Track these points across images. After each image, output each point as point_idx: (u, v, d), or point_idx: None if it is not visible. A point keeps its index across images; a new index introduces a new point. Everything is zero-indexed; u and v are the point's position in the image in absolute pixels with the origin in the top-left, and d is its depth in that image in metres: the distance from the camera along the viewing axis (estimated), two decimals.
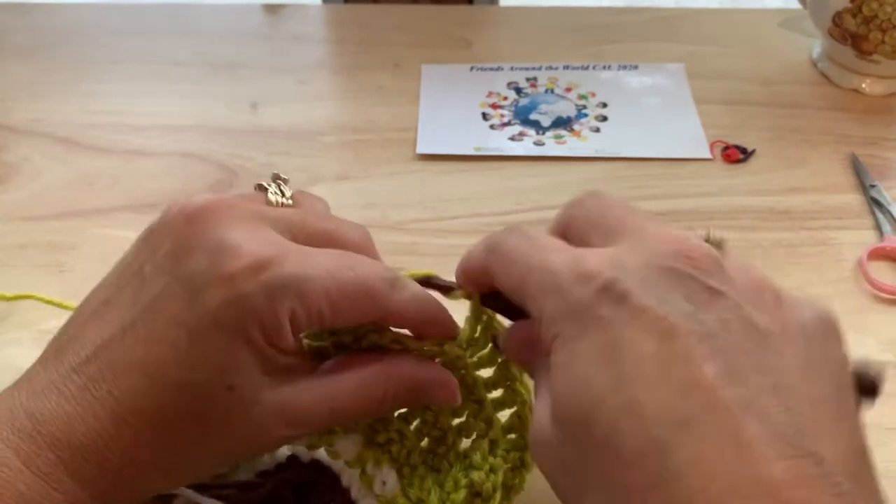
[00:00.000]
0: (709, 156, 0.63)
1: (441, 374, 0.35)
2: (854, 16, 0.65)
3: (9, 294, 0.44)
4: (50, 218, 0.58)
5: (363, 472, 0.35)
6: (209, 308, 0.29)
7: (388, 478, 0.35)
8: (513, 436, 0.37)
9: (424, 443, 0.37)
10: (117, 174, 0.62)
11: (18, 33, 0.76)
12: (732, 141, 0.64)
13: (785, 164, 0.63)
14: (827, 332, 0.28)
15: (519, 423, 0.37)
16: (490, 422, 0.36)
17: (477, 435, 0.37)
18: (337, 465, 0.36)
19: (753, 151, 0.64)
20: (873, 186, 0.60)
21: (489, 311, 0.36)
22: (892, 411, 0.45)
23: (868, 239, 0.57)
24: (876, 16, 0.64)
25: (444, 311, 0.35)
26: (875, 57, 0.66)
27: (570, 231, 0.32)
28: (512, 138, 0.65)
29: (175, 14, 0.79)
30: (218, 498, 0.35)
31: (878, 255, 0.55)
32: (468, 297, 0.35)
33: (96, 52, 0.74)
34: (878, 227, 0.57)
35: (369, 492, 0.35)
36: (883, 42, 0.65)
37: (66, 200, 0.60)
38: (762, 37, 0.76)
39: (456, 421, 0.37)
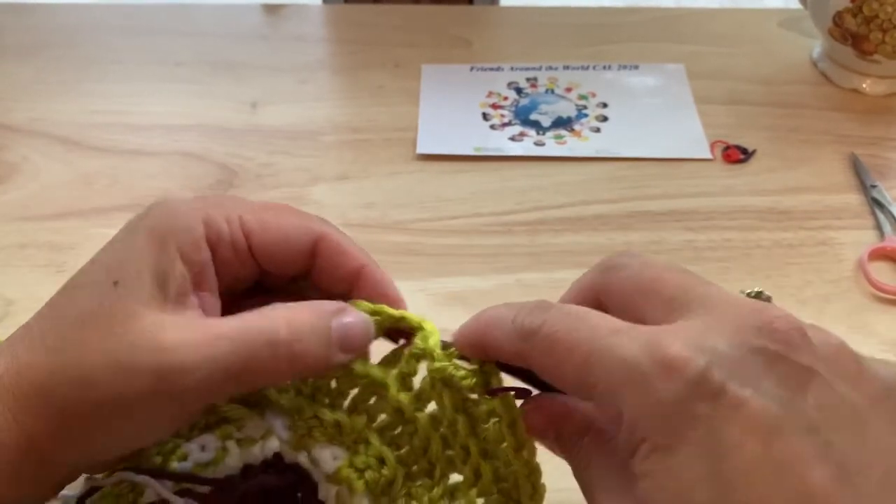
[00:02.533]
0: (709, 156, 0.63)
1: (345, 304, 0.32)
2: (854, 16, 0.65)
3: None
4: (50, 218, 0.58)
5: (339, 494, 0.33)
6: (130, 223, 0.31)
7: None
8: (505, 485, 0.33)
9: (413, 469, 0.34)
10: (117, 174, 0.62)
11: (18, 33, 0.76)
12: (732, 141, 0.64)
13: (785, 164, 0.63)
14: None
15: (517, 479, 0.33)
16: (478, 471, 0.33)
17: (465, 479, 0.34)
18: (316, 474, 0.34)
19: (754, 151, 0.64)
20: (874, 186, 0.60)
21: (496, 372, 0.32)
22: None
23: (868, 239, 0.57)
24: (876, 16, 0.64)
25: (370, 259, 0.33)
26: (875, 57, 0.66)
27: (610, 300, 0.29)
28: (512, 138, 0.65)
29: (175, 14, 0.79)
30: (190, 493, 0.34)
31: (878, 255, 0.55)
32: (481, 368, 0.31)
33: (96, 52, 0.74)
34: (879, 227, 0.57)
35: None
36: (883, 42, 0.65)
37: (65, 200, 0.60)
38: (762, 37, 0.76)
39: (448, 453, 0.34)
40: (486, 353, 0.30)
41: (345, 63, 0.74)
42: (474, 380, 0.31)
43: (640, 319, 0.27)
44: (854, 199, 0.60)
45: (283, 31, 0.77)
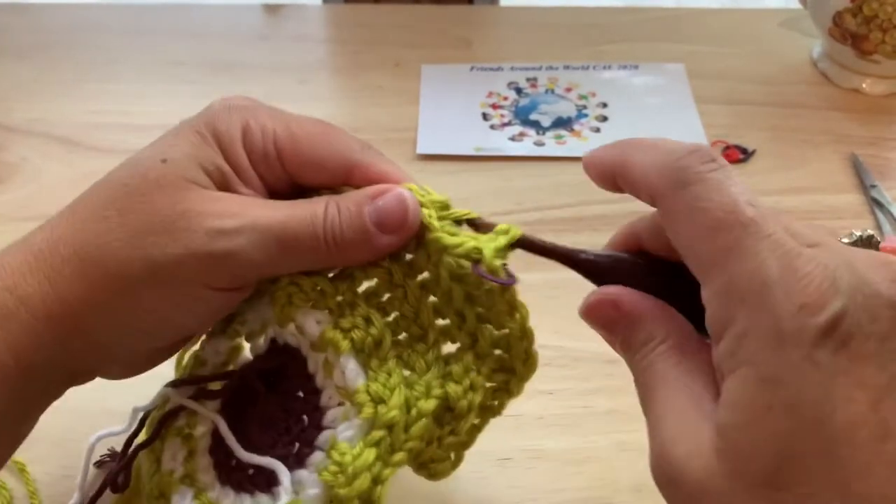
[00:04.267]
0: None
1: (386, 186, 0.32)
2: (854, 16, 0.65)
3: None
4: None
5: (326, 359, 0.33)
6: (180, 124, 0.34)
7: (346, 367, 0.32)
8: (499, 352, 0.33)
9: (402, 337, 0.34)
10: None
11: (18, 33, 0.76)
12: (732, 141, 0.64)
13: (785, 164, 0.63)
14: None
15: (510, 343, 0.33)
16: (475, 334, 0.33)
17: (461, 346, 0.33)
18: (304, 346, 0.34)
19: (754, 151, 0.64)
20: (874, 186, 0.60)
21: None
22: None
23: None
24: (876, 16, 0.64)
25: (413, 181, 0.34)
26: (875, 57, 0.66)
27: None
28: (512, 138, 0.65)
29: (175, 14, 0.79)
30: (207, 394, 0.35)
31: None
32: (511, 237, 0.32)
33: (96, 52, 0.74)
34: (879, 227, 0.57)
35: (332, 379, 0.33)
36: (883, 42, 0.65)
37: (65, 200, 0.59)
38: (762, 37, 0.76)
39: (440, 322, 0.33)
40: (618, 178, 0.29)
41: (345, 63, 0.74)
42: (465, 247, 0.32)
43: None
44: (854, 199, 0.60)
45: (283, 31, 0.77)
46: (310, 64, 0.73)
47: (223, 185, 0.32)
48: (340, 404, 0.33)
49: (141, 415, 0.36)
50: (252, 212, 0.31)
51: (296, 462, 0.33)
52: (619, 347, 0.29)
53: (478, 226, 0.33)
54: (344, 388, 0.33)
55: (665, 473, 0.25)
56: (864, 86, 0.69)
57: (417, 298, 0.34)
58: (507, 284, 0.32)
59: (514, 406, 0.36)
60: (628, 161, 0.29)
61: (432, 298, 0.34)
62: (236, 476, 0.34)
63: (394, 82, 0.70)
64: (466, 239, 0.32)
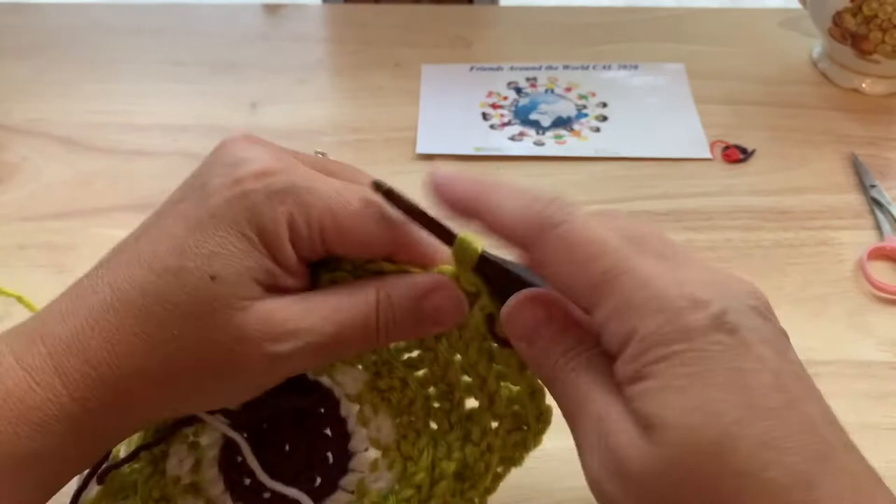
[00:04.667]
0: (709, 156, 0.63)
1: (440, 280, 0.32)
2: (854, 15, 0.65)
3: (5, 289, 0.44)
4: (50, 218, 0.58)
5: (361, 410, 0.35)
6: (212, 204, 0.30)
7: (383, 425, 0.35)
8: (517, 408, 0.35)
9: (431, 391, 0.36)
10: (117, 174, 0.62)
11: (18, 33, 0.76)
12: (732, 141, 0.64)
13: (785, 164, 0.63)
14: None
15: (523, 400, 0.35)
16: (493, 395, 0.35)
17: (480, 406, 0.35)
18: (338, 391, 0.35)
19: (753, 151, 0.64)
20: (873, 186, 0.60)
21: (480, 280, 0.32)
22: (892, 411, 0.45)
23: (868, 239, 0.57)
24: (876, 15, 0.64)
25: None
26: (875, 57, 0.66)
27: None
28: (512, 138, 0.65)
29: (175, 14, 0.79)
30: (222, 410, 0.35)
31: (878, 255, 0.55)
32: (464, 256, 0.31)
33: (96, 52, 0.74)
34: (879, 227, 0.57)
35: (364, 428, 0.35)
36: (883, 42, 0.65)
37: (66, 200, 0.60)
38: (762, 37, 0.76)
39: (466, 379, 0.35)
40: (477, 219, 0.30)
41: (345, 63, 0.74)
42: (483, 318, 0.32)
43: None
44: (854, 199, 0.60)
45: (283, 31, 0.77)
46: (310, 64, 0.73)
47: (272, 284, 0.31)
48: (367, 450, 0.35)
49: None
50: (305, 327, 0.31)
51: (317, 497, 0.35)
52: (539, 353, 0.30)
53: (437, 227, 0.33)
54: (377, 440, 0.35)
55: (611, 472, 0.26)
56: (863, 86, 0.69)
57: (447, 361, 0.35)
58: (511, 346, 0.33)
59: None
60: (490, 205, 0.30)
61: (458, 357, 0.35)
62: (250, 496, 0.35)
63: (394, 82, 0.70)
64: (476, 312, 0.33)
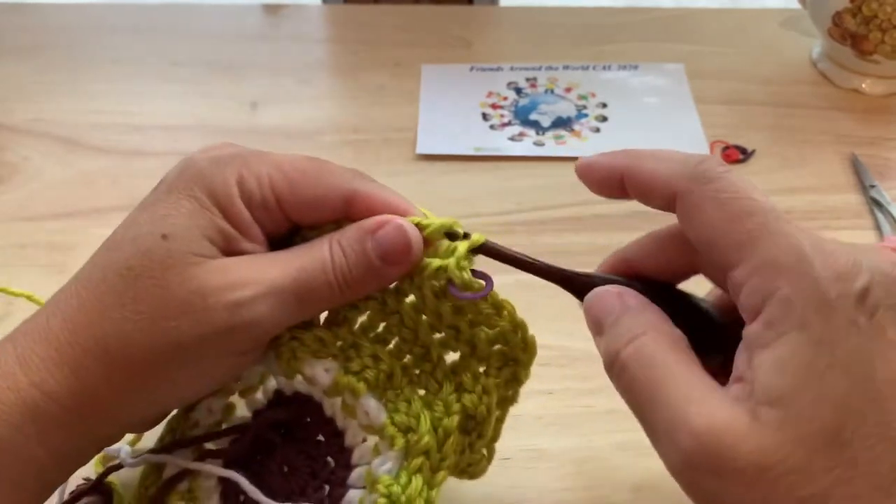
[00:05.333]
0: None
1: (386, 217, 0.32)
2: (854, 16, 0.65)
3: (10, 289, 0.44)
4: (50, 218, 0.58)
5: (344, 402, 0.34)
6: (165, 183, 0.33)
7: (370, 408, 0.34)
8: (499, 347, 0.35)
9: (407, 360, 0.35)
10: (117, 174, 0.62)
11: (18, 33, 0.76)
12: (732, 141, 0.64)
13: (785, 164, 0.63)
14: None
15: (506, 337, 0.34)
16: (472, 341, 0.34)
17: (462, 354, 0.35)
18: (316, 393, 0.34)
19: (753, 151, 0.64)
20: (873, 186, 0.60)
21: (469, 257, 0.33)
22: None
23: (868, 239, 0.57)
24: (876, 16, 0.64)
25: (411, 206, 0.34)
26: (875, 57, 0.66)
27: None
28: (512, 138, 0.65)
29: (175, 14, 0.79)
30: (210, 454, 0.35)
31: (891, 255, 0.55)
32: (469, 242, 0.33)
33: (96, 52, 0.74)
34: (878, 228, 0.57)
35: (354, 419, 0.34)
36: (883, 42, 0.65)
37: (66, 200, 0.60)
38: (762, 37, 0.76)
39: (437, 336, 0.35)
40: (628, 181, 0.31)
41: (345, 63, 0.74)
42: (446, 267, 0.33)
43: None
44: (854, 199, 0.60)
45: (283, 31, 0.77)
46: (310, 64, 0.73)
47: (228, 247, 0.31)
48: (365, 440, 0.34)
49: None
50: (265, 275, 0.31)
51: (331, 503, 0.34)
52: (609, 338, 0.30)
53: (453, 237, 0.34)
54: (369, 426, 0.34)
55: (712, 466, 0.25)
56: (863, 86, 0.69)
57: (413, 320, 0.35)
58: (483, 296, 0.33)
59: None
60: (641, 166, 0.31)
61: (424, 317, 0.35)
62: None
63: (394, 82, 0.70)
64: (432, 261, 0.33)
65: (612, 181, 0.32)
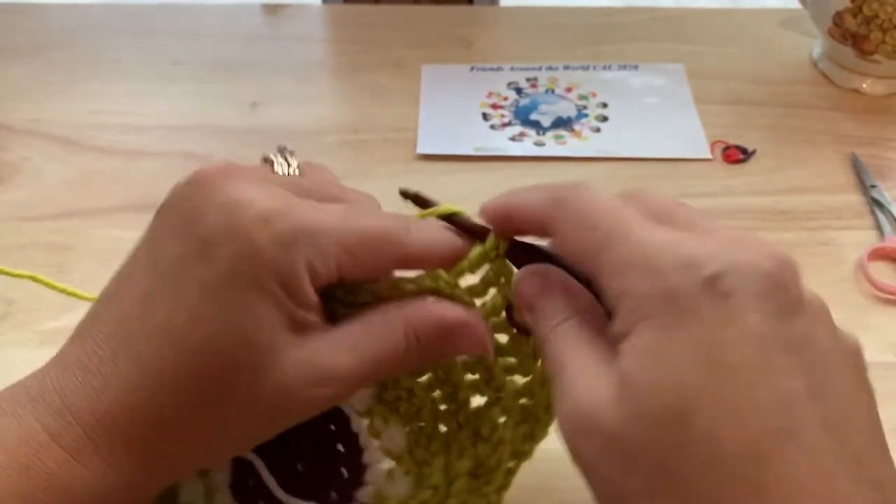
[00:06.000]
0: (709, 156, 0.63)
1: (467, 315, 0.32)
2: (854, 16, 0.65)
3: (13, 271, 0.44)
4: (50, 218, 0.58)
5: (371, 424, 0.35)
6: (223, 263, 0.29)
7: (395, 435, 0.35)
8: (524, 401, 0.35)
9: (437, 394, 0.36)
10: (117, 174, 0.62)
11: (18, 33, 0.76)
12: (732, 141, 0.64)
13: (785, 164, 0.63)
14: (862, 361, 0.28)
15: (532, 391, 0.35)
16: (500, 389, 0.35)
17: (487, 401, 0.35)
18: (347, 408, 0.35)
19: (754, 152, 0.64)
20: (874, 186, 0.60)
21: (511, 267, 0.33)
22: (893, 412, 0.45)
23: (868, 239, 0.57)
24: (876, 16, 0.64)
25: (467, 247, 0.33)
26: (875, 57, 0.66)
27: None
28: (512, 138, 0.65)
29: (175, 14, 0.79)
30: None
31: (878, 255, 0.55)
32: (496, 246, 0.33)
33: (96, 52, 0.74)
34: (879, 228, 0.57)
35: (377, 440, 0.35)
36: (883, 42, 0.65)
37: (66, 200, 0.60)
38: (762, 37, 0.76)
39: (469, 377, 0.35)
40: (510, 220, 0.32)
41: (345, 63, 0.74)
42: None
43: None
44: (854, 199, 0.60)
45: (283, 31, 0.77)
46: (310, 64, 0.73)
47: (295, 326, 0.30)
48: (380, 462, 0.35)
49: None
50: (344, 367, 0.30)
51: None
52: (538, 318, 0.31)
53: (458, 224, 0.34)
54: (389, 451, 0.35)
55: (579, 424, 0.27)
56: (864, 86, 0.69)
57: (451, 362, 0.35)
58: (529, 334, 0.33)
59: None
60: (512, 204, 0.32)
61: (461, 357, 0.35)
62: None
63: (394, 82, 0.70)
64: (495, 297, 0.33)
65: (504, 221, 0.33)
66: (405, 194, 0.33)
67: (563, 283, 0.31)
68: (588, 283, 0.31)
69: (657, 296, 0.26)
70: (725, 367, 0.25)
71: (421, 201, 0.34)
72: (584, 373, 0.28)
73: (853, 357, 0.28)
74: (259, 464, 0.34)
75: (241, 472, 0.35)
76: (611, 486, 0.27)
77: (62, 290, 0.40)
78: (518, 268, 0.33)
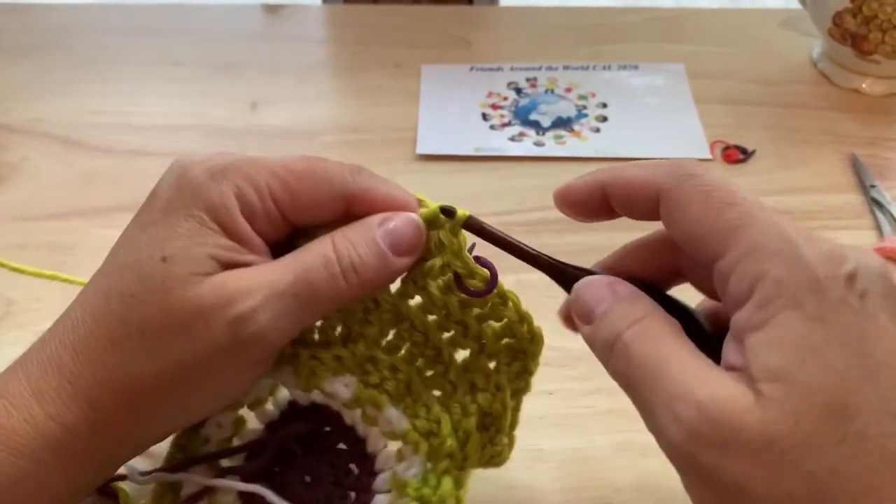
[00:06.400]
0: (709, 156, 0.63)
1: (392, 211, 0.32)
2: (854, 16, 0.65)
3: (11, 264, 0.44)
4: (50, 218, 0.58)
5: (364, 413, 0.35)
6: (161, 201, 0.32)
7: (391, 417, 0.34)
8: (507, 341, 0.35)
9: (420, 363, 0.35)
10: (117, 174, 0.62)
11: (18, 33, 0.76)
12: (732, 141, 0.64)
13: (785, 165, 0.63)
14: None
15: (513, 329, 0.35)
16: (480, 337, 0.35)
17: (472, 352, 0.35)
18: (336, 404, 0.35)
19: (753, 152, 0.64)
20: (873, 186, 0.60)
21: (464, 239, 0.33)
22: None
23: (868, 239, 0.57)
24: (876, 16, 0.64)
25: (413, 199, 0.33)
26: (875, 57, 0.66)
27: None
28: (512, 138, 0.65)
29: (175, 14, 0.79)
30: (227, 471, 0.35)
31: (878, 255, 0.55)
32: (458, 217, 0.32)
33: (96, 52, 0.74)
34: (878, 228, 0.57)
35: (375, 427, 0.35)
36: (883, 42, 0.65)
37: (66, 200, 0.60)
38: (762, 37, 0.76)
39: (446, 335, 0.35)
40: (610, 191, 0.31)
41: (345, 63, 0.74)
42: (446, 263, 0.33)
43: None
44: (854, 199, 0.60)
45: (283, 31, 0.77)
46: (310, 64, 0.73)
47: (229, 262, 0.31)
48: (386, 446, 0.35)
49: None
50: (263, 282, 0.30)
51: None
52: (608, 321, 0.30)
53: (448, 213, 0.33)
54: (391, 433, 0.34)
55: (716, 437, 0.25)
56: (863, 86, 0.69)
57: (424, 324, 0.35)
58: (490, 289, 0.33)
59: None
60: (622, 174, 0.31)
61: (432, 317, 0.35)
62: None
63: (394, 82, 0.70)
64: (435, 260, 0.33)
65: (594, 198, 0.32)
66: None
67: (631, 288, 0.30)
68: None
69: (805, 283, 0.25)
70: (878, 363, 0.25)
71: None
72: (694, 376, 0.26)
73: None
74: (267, 491, 0.34)
75: None
76: (754, 491, 0.24)
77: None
78: (477, 238, 0.33)
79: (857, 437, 0.24)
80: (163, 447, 0.36)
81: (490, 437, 0.35)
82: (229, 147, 0.64)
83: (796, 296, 0.25)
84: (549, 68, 0.72)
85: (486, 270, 0.33)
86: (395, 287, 0.34)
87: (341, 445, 0.36)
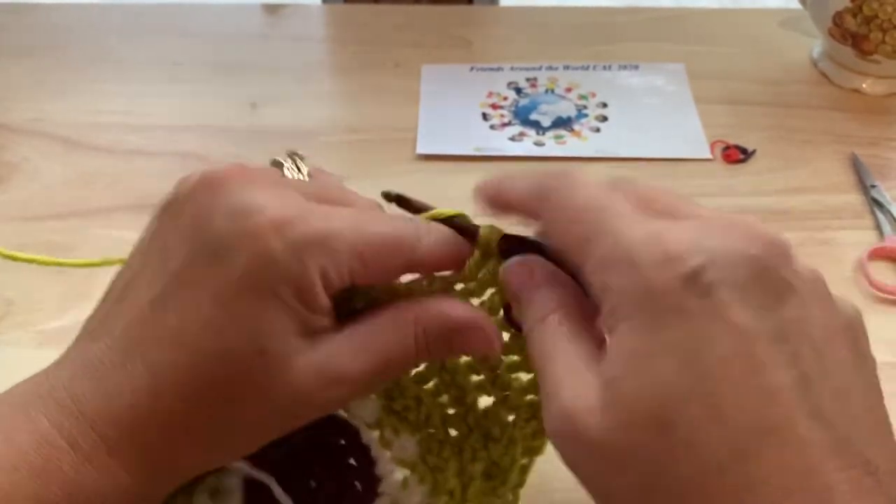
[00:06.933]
0: (709, 156, 0.63)
1: (475, 313, 0.32)
2: (854, 16, 0.65)
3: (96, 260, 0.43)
4: (50, 218, 0.58)
5: (382, 435, 0.35)
6: (236, 269, 0.28)
7: (406, 444, 0.35)
8: (531, 398, 0.35)
9: (444, 399, 0.36)
10: (117, 174, 0.62)
11: (18, 33, 0.76)
12: (732, 141, 0.64)
13: (785, 164, 0.63)
14: (860, 332, 0.28)
15: (538, 387, 0.34)
16: (506, 388, 0.35)
17: (495, 400, 0.35)
18: (355, 421, 0.35)
19: (754, 152, 0.64)
20: (874, 186, 0.60)
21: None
22: (894, 412, 0.45)
23: (868, 239, 0.57)
24: (876, 16, 0.64)
25: (469, 250, 0.33)
26: (875, 57, 0.66)
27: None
28: (512, 138, 0.65)
29: (175, 14, 0.79)
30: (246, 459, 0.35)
31: (878, 255, 0.55)
32: (488, 243, 0.32)
33: (96, 52, 0.74)
34: (879, 228, 0.57)
35: (388, 451, 0.35)
36: (883, 42, 0.65)
37: (66, 200, 0.60)
38: (762, 37, 0.76)
39: (474, 379, 0.35)
40: (501, 204, 0.32)
41: (345, 63, 0.74)
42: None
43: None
44: (854, 199, 0.60)
45: (283, 31, 0.77)
46: (310, 64, 0.73)
47: (309, 331, 0.30)
48: (393, 472, 0.35)
49: None
50: (356, 369, 0.30)
51: None
52: (524, 311, 0.31)
53: (459, 227, 0.33)
54: (402, 460, 0.35)
55: (565, 430, 0.27)
56: (864, 86, 0.69)
57: (455, 365, 0.35)
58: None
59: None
60: (508, 188, 0.32)
61: (463, 358, 0.35)
62: None
63: (394, 82, 0.70)
64: (491, 295, 0.33)
65: (494, 203, 0.33)
66: (388, 196, 0.33)
67: (548, 275, 0.31)
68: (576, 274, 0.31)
69: (636, 294, 0.25)
70: (707, 369, 0.24)
71: (405, 203, 0.33)
72: (568, 374, 0.27)
73: (851, 329, 0.27)
74: (273, 484, 0.34)
75: (254, 494, 0.35)
76: (600, 486, 0.27)
77: (86, 264, 0.40)
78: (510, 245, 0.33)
79: (683, 445, 0.24)
80: None
81: (493, 488, 0.36)
82: (229, 147, 0.64)
83: (628, 308, 0.26)
84: (550, 68, 0.72)
85: None
86: None
87: (352, 461, 0.36)
